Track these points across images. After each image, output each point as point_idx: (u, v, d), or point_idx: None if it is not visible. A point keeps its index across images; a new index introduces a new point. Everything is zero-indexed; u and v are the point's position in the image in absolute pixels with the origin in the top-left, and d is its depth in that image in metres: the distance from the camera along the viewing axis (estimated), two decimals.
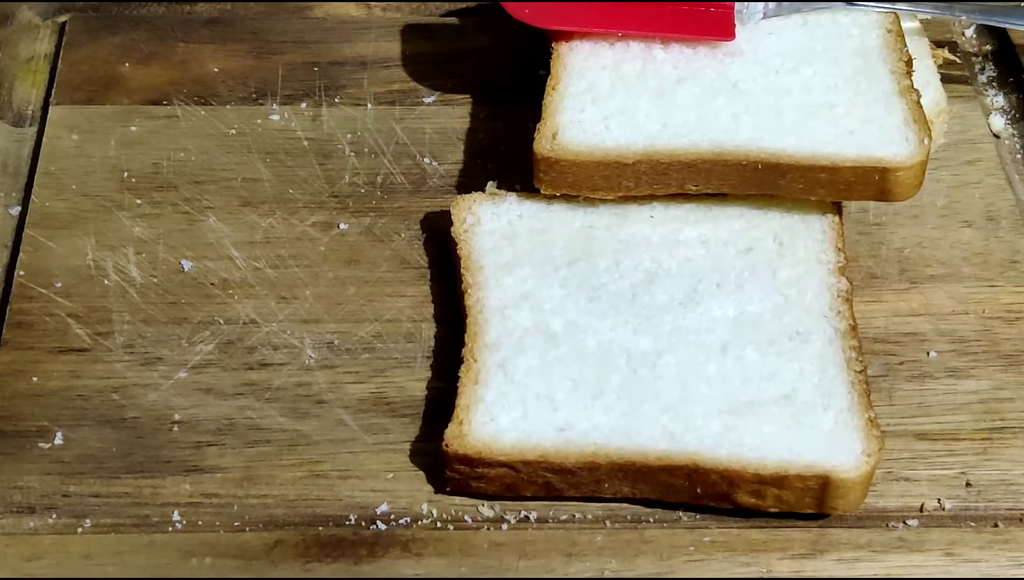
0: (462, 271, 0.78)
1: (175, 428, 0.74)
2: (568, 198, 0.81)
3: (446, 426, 0.72)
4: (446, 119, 0.89)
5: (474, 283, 0.77)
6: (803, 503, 0.70)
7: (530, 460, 0.70)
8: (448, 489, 0.72)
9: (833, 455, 0.70)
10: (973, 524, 0.72)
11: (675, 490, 0.71)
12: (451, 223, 0.80)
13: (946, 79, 0.88)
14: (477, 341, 0.75)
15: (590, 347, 0.74)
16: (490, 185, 0.82)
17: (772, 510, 0.71)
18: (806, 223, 0.80)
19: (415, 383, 0.76)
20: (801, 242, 0.79)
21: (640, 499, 0.72)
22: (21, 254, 0.81)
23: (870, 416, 0.71)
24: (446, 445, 0.70)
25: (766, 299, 0.77)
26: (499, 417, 0.72)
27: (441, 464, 0.71)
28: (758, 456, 0.70)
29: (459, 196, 0.82)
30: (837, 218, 0.81)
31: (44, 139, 0.87)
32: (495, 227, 0.80)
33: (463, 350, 0.74)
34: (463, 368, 0.74)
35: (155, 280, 0.80)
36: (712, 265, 0.78)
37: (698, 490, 0.70)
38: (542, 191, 0.81)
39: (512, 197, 0.82)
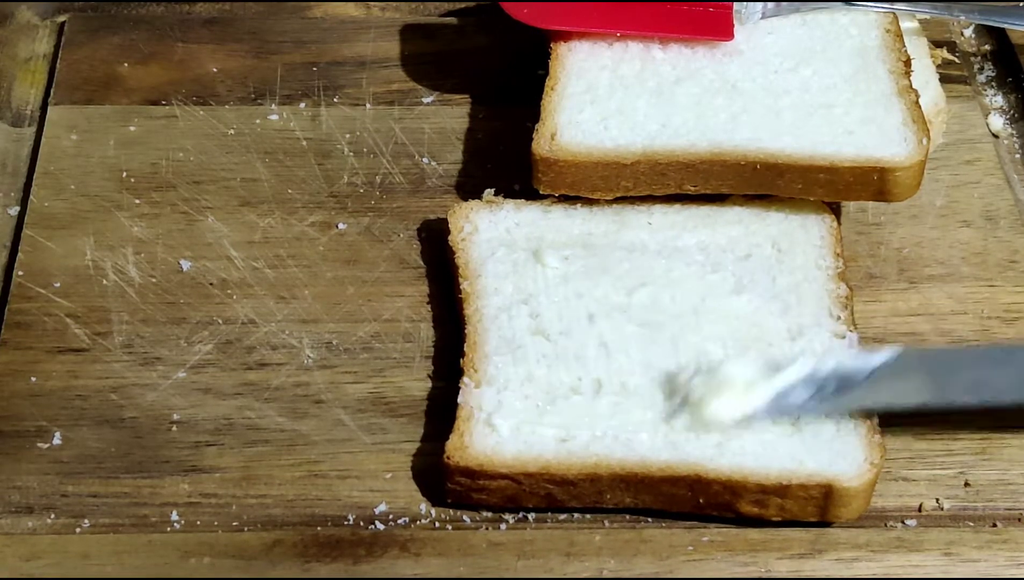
0: (460, 280, 0.78)
1: (174, 428, 0.74)
2: (565, 205, 0.81)
3: (445, 426, 0.72)
4: (445, 119, 0.89)
5: (472, 292, 0.77)
6: (806, 512, 0.70)
7: (532, 472, 0.70)
8: (449, 500, 0.71)
9: (836, 464, 0.70)
10: (971, 524, 0.72)
11: (677, 500, 0.71)
12: (449, 229, 0.80)
13: (945, 79, 0.88)
14: (476, 351, 0.75)
15: (591, 357, 0.74)
16: (487, 193, 0.82)
17: (775, 519, 0.70)
18: (804, 229, 0.80)
19: (414, 383, 0.76)
20: (800, 248, 0.79)
21: (642, 509, 0.71)
22: (20, 254, 0.81)
23: (872, 423, 0.71)
24: (447, 457, 0.70)
25: (765, 306, 0.76)
26: (500, 428, 0.71)
27: (442, 476, 0.71)
28: (760, 466, 0.70)
29: (456, 204, 0.81)
30: (835, 223, 0.81)
31: (43, 139, 0.87)
32: (492, 235, 0.80)
33: (462, 360, 0.74)
34: (463, 379, 0.73)
35: (154, 280, 0.80)
36: (711, 272, 0.78)
37: (700, 500, 0.70)
38: (541, 191, 0.81)
39: (509, 205, 0.82)
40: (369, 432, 0.74)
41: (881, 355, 0.71)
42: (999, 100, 0.92)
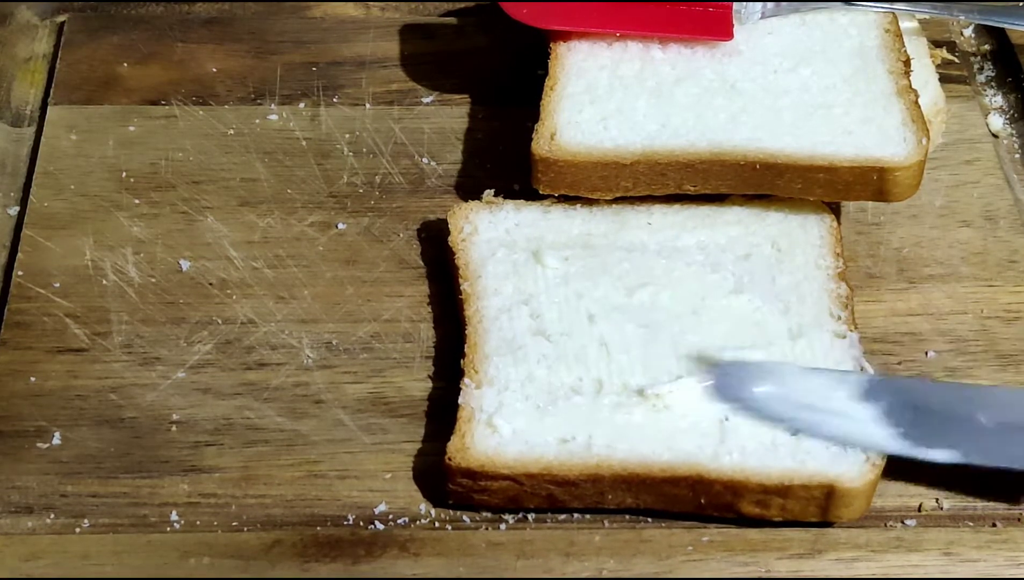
0: (460, 281, 0.78)
1: (173, 428, 0.74)
2: (565, 206, 0.81)
3: (445, 427, 0.72)
4: (444, 119, 0.89)
5: (472, 293, 0.77)
6: (807, 512, 0.70)
7: (533, 473, 0.70)
8: (450, 501, 0.71)
9: (837, 464, 0.70)
10: (971, 524, 0.72)
11: (679, 501, 0.71)
12: (449, 230, 0.80)
13: (944, 79, 0.88)
14: (477, 352, 0.74)
15: (591, 357, 0.74)
16: (487, 193, 0.82)
17: (776, 519, 0.70)
18: (804, 229, 0.80)
19: (413, 383, 0.76)
20: (799, 248, 0.79)
21: (643, 509, 0.71)
22: (19, 254, 0.81)
23: None
24: (448, 459, 0.70)
25: (765, 306, 0.76)
26: (501, 429, 0.71)
27: (443, 477, 0.71)
28: (762, 466, 0.70)
29: (456, 205, 0.81)
30: (835, 223, 0.81)
31: (42, 139, 0.87)
32: (492, 236, 0.80)
33: (463, 361, 0.74)
34: (464, 380, 0.73)
35: (153, 280, 0.80)
36: (711, 272, 0.78)
37: (702, 500, 0.70)
38: (540, 191, 0.81)
39: (509, 205, 0.82)
40: (369, 432, 0.74)
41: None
42: (999, 100, 0.92)
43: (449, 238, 0.80)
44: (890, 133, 0.80)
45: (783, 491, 0.69)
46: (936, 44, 0.92)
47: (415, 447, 0.74)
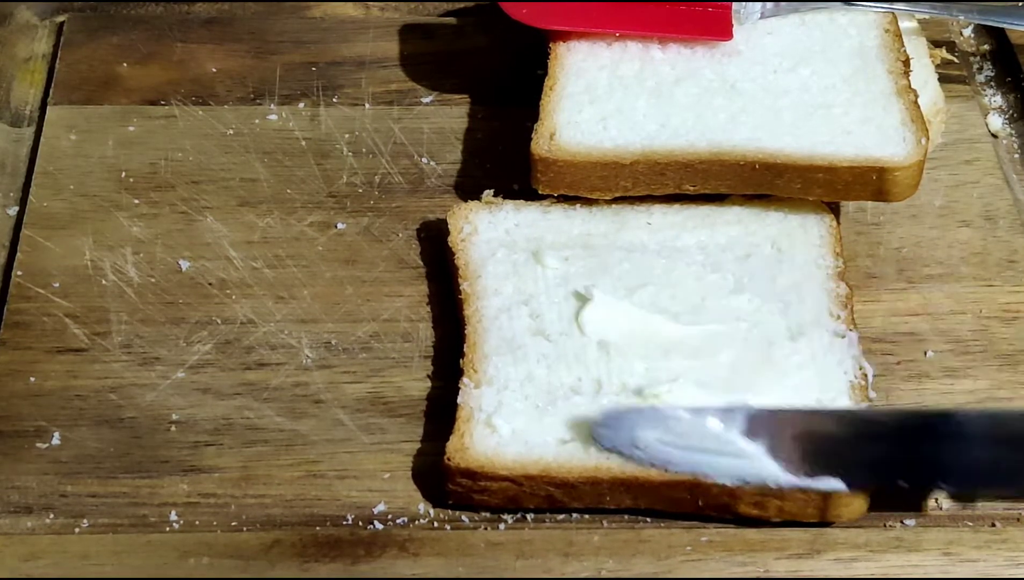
0: (460, 281, 0.78)
1: (172, 428, 0.74)
2: (565, 206, 0.81)
3: (443, 426, 0.72)
4: (444, 119, 0.89)
5: (472, 293, 0.77)
6: (805, 512, 0.70)
7: (532, 474, 0.70)
8: (450, 502, 0.71)
9: None
10: (971, 524, 0.72)
11: (677, 502, 0.71)
12: (448, 230, 0.80)
13: (944, 79, 0.88)
14: (476, 351, 0.74)
15: (591, 357, 0.74)
16: (486, 194, 0.82)
17: (774, 519, 0.70)
18: (804, 229, 0.80)
19: (412, 383, 0.76)
20: (799, 248, 0.79)
21: (642, 510, 0.71)
22: (19, 254, 0.81)
23: None
24: (448, 459, 0.70)
25: (765, 305, 0.76)
26: (500, 429, 0.71)
27: (443, 477, 0.71)
28: None
29: (456, 205, 0.81)
30: (835, 223, 0.81)
31: (42, 139, 0.88)
32: (492, 236, 0.80)
33: (462, 361, 0.74)
34: (463, 380, 0.73)
35: (153, 280, 0.80)
36: (711, 272, 0.78)
37: (700, 502, 0.70)
38: (540, 191, 0.81)
39: (509, 205, 0.82)
40: (368, 432, 0.74)
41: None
42: (998, 100, 0.92)
43: (449, 238, 0.80)
44: (890, 133, 0.80)
45: (779, 492, 0.69)
46: (936, 44, 0.92)
47: (414, 447, 0.74)
